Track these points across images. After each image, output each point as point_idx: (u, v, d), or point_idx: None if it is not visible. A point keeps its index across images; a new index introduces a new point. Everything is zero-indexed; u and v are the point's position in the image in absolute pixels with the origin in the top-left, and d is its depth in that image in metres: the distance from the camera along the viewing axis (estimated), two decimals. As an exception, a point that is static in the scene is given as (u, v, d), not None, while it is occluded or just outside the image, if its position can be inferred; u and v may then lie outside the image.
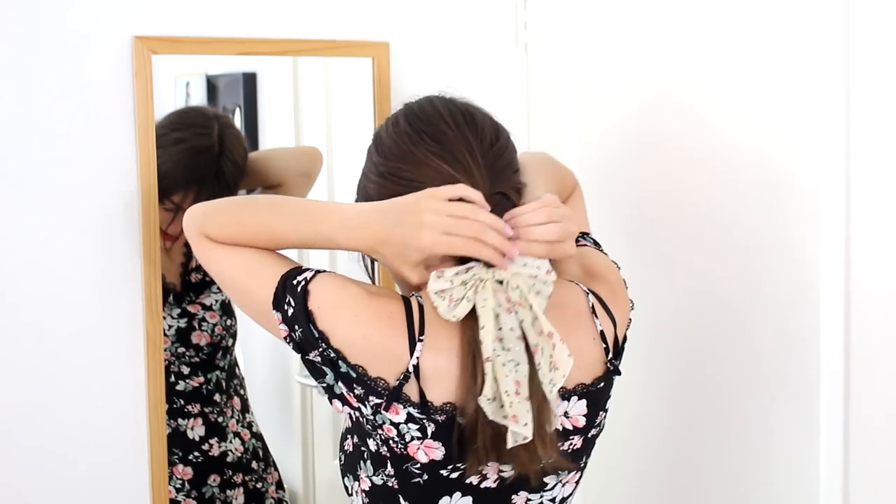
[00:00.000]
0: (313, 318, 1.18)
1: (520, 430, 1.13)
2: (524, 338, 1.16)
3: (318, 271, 1.22)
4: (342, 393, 1.20)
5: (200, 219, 1.31)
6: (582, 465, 1.30)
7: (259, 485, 1.92)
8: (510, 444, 1.14)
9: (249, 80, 1.92)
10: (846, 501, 1.53)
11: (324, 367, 1.19)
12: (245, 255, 1.26)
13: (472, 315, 1.16)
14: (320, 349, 1.18)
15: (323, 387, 1.21)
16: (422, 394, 1.16)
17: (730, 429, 1.73)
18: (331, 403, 1.21)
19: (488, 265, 1.17)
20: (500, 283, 1.17)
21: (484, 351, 1.13)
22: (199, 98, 1.91)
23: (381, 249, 1.19)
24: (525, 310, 1.16)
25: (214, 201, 1.34)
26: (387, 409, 1.17)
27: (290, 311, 1.19)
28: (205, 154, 1.80)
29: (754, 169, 1.65)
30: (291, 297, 1.19)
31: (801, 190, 1.57)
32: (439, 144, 1.22)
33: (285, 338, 1.21)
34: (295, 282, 1.20)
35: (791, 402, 1.61)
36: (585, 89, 1.97)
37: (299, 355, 1.21)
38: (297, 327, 1.19)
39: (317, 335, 1.18)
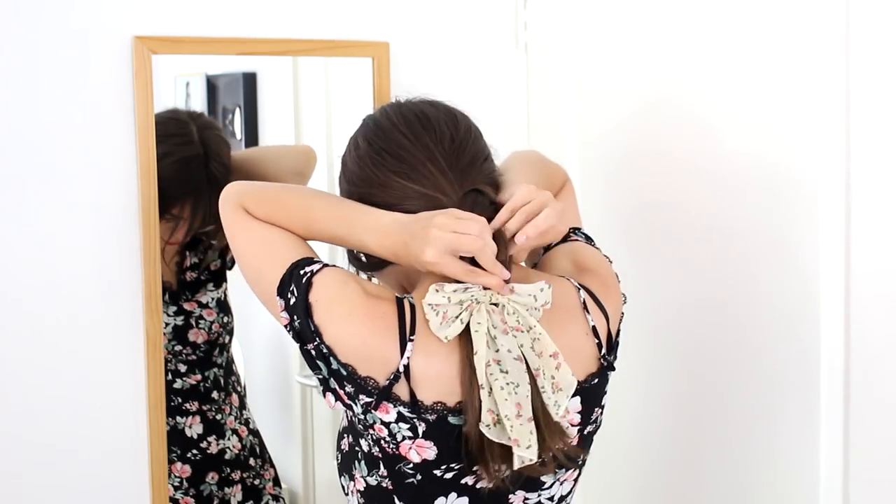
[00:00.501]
0: (311, 311, 1.18)
1: (523, 454, 1.13)
2: (524, 359, 1.16)
3: (325, 264, 1.22)
4: (335, 388, 1.20)
5: (242, 191, 1.32)
6: (580, 462, 1.29)
7: (257, 481, 1.93)
8: (517, 465, 1.14)
9: (249, 80, 1.93)
10: (846, 501, 1.53)
11: (318, 361, 1.20)
12: (270, 234, 1.27)
13: (468, 336, 1.16)
14: (315, 342, 1.19)
15: (318, 379, 1.22)
16: (412, 394, 1.16)
17: (731, 429, 1.73)
18: (324, 397, 1.21)
19: (486, 287, 1.17)
20: (496, 305, 1.17)
21: (478, 377, 1.13)
22: (199, 98, 1.91)
23: (402, 260, 1.20)
24: (523, 334, 1.16)
25: (256, 182, 1.36)
26: (376, 409, 1.17)
27: (293, 300, 1.20)
28: (193, 163, 1.80)
29: (754, 170, 1.65)
30: (296, 287, 1.20)
31: (802, 191, 1.57)
32: (399, 161, 1.23)
33: (286, 325, 1.22)
34: (302, 272, 1.21)
35: (791, 402, 1.61)
36: (585, 89, 1.97)
37: (298, 345, 1.22)
38: (296, 317, 1.20)
39: (312, 328, 1.18)
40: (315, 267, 1.21)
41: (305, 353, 1.21)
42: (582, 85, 1.97)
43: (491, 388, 1.13)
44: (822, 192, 1.53)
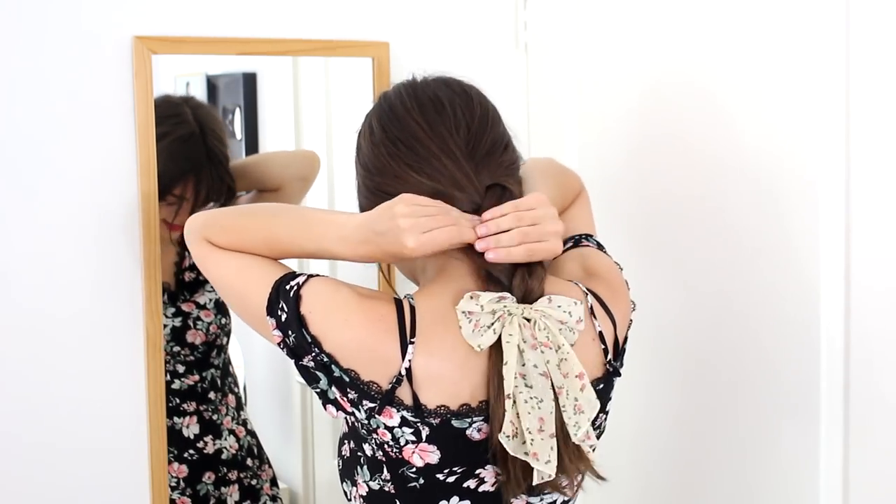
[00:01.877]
0: (305, 323, 1.18)
1: (542, 469, 1.13)
2: (549, 376, 1.15)
3: (310, 276, 1.22)
4: (336, 398, 1.19)
5: (203, 224, 1.31)
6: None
7: (254, 482, 1.93)
8: (536, 480, 1.14)
9: (249, 80, 1.93)
10: (846, 501, 1.53)
11: (317, 373, 1.19)
12: (242, 261, 1.27)
13: (498, 347, 1.15)
14: (313, 354, 1.18)
15: (317, 392, 1.21)
16: (415, 397, 1.16)
17: (730, 430, 1.73)
18: (325, 409, 1.21)
19: (523, 300, 1.17)
20: (528, 320, 1.16)
21: (505, 387, 1.13)
22: (199, 98, 1.91)
23: (382, 260, 1.20)
24: (551, 351, 1.16)
25: (217, 210, 1.35)
26: (380, 413, 1.17)
27: (284, 317, 1.19)
28: (191, 141, 1.81)
29: (755, 169, 1.65)
30: (284, 303, 1.19)
31: (803, 190, 1.57)
32: (414, 153, 1.21)
33: (279, 343, 1.21)
34: (288, 287, 1.20)
35: (792, 402, 1.61)
36: (585, 89, 1.97)
37: (293, 361, 1.21)
38: (290, 332, 1.19)
39: (309, 340, 1.17)
40: (300, 280, 1.20)
41: (302, 368, 1.20)
42: (582, 85, 1.97)
43: (515, 400, 1.13)
44: (822, 191, 1.53)
